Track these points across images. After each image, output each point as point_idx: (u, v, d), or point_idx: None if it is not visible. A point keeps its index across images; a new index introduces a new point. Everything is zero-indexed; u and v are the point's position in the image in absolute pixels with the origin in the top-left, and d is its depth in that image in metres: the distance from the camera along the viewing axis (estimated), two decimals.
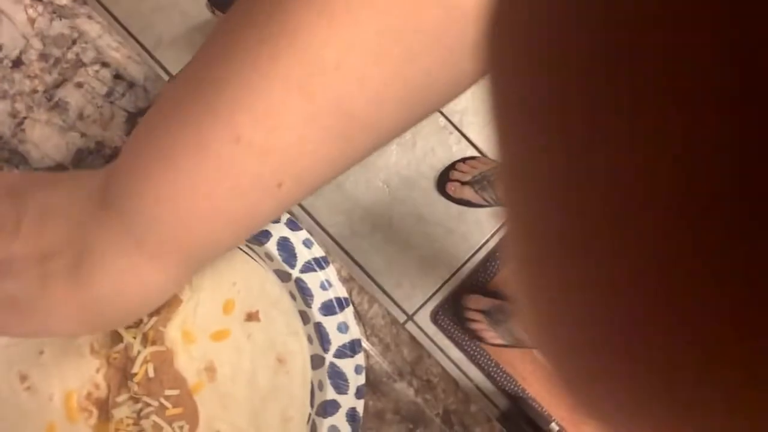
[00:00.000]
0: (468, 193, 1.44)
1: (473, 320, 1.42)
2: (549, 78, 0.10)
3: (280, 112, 0.29)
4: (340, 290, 0.49)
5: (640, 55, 0.08)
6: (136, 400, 0.47)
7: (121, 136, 0.53)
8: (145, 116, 0.34)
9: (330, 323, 0.48)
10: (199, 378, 0.49)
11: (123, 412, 0.47)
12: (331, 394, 0.48)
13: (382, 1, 0.27)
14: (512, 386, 1.42)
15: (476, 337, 1.45)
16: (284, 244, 0.48)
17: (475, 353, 1.43)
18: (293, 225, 0.49)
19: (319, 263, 0.49)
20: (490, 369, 1.43)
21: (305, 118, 0.30)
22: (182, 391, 0.47)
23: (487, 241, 1.50)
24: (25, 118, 0.53)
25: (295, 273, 0.48)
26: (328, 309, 0.48)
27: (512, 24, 0.12)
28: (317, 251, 0.49)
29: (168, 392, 0.47)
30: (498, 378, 1.42)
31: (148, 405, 0.47)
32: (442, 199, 1.50)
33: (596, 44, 0.09)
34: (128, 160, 0.34)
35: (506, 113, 0.12)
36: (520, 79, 0.11)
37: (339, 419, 0.48)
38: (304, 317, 0.49)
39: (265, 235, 0.48)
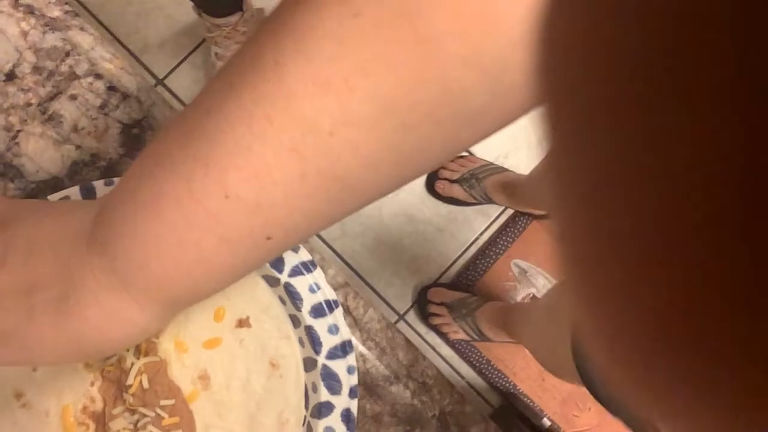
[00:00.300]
0: (457, 191, 1.45)
1: (436, 314, 1.43)
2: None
3: (272, 172, 0.29)
4: (329, 292, 0.49)
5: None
6: (132, 412, 0.47)
7: (116, 148, 0.53)
8: (139, 157, 0.34)
9: (320, 325, 0.49)
10: (194, 386, 0.49)
11: (120, 424, 0.47)
12: (325, 395, 0.48)
13: (381, 75, 0.27)
14: (504, 382, 1.43)
15: (438, 332, 1.46)
16: None
17: (466, 350, 1.44)
18: None
19: (307, 267, 0.49)
20: (482, 366, 1.44)
21: (296, 177, 0.30)
22: (177, 400, 0.48)
23: (477, 238, 1.51)
24: (19, 131, 0.53)
25: (283, 278, 0.49)
26: (317, 312, 0.49)
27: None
28: (304, 255, 0.49)
29: (163, 402, 0.47)
30: (489, 375, 1.43)
31: (144, 416, 0.47)
32: (432, 198, 1.51)
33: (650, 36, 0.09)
34: (118, 201, 0.34)
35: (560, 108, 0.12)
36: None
37: (334, 420, 0.48)
38: (295, 321, 0.50)
39: None
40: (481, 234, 1.52)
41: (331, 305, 0.49)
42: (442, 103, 0.28)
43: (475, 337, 1.38)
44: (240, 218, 0.31)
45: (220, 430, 0.49)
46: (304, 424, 0.49)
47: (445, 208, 1.51)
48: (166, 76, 1.51)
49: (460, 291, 1.44)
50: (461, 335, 1.41)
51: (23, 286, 0.35)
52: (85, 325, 0.35)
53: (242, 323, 0.50)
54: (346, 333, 0.49)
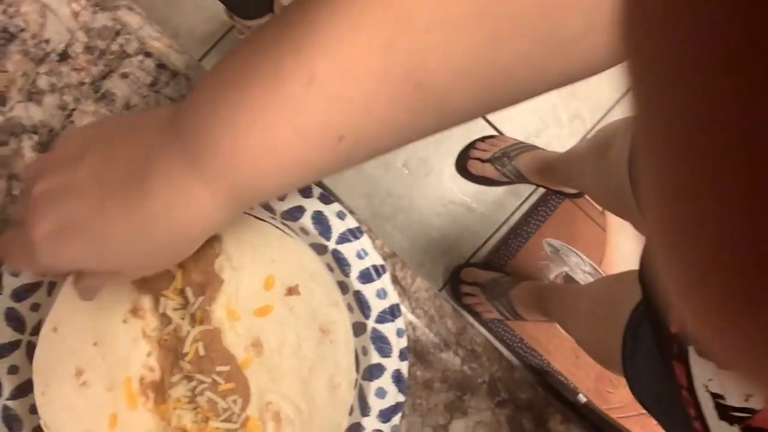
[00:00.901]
0: (489, 170, 1.44)
1: (469, 294, 1.43)
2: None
3: (359, 64, 0.30)
4: (375, 258, 0.50)
5: None
6: (190, 379, 0.49)
7: None
8: (232, 49, 0.34)
9: (369, 290, 0.50)
10: (247, 353, 0.50)
11: (179, 392, 0.49)
12: (375, 358, 0.49)
13: None
14: (538, 360, 1.43)
15: (471, 312, 1.46)
16: (318, 218, 0.50)
17: (499, 329, 1.45)
18: (325, 198, 0.50)
19: (354, 234, 0.50)
20: (515, 344, 1.44)
21: (382, 75, 0.30)
22: (232, 366, 0.49)
23: (508, 218, 1.51)
24: (73, 109, 0.54)
25: (331, 245, 0.50)
26: (365, 277, 0.50)
27: None
28: (351, 222, 0.50)
29: (219, 368, 0.49)
30: (523, 353, 1.44)
31: (201, 382, 0.48)
32: (462, 179, 1.51)
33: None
34: (202, 86, 0.35)
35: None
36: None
37: (385, 381, 0.49)
38: (343, 287, 0.51)
39: (299, 210, 0.50)
40: (513, 213, 1.51)
41: (378, 270, 0.50)
42: (536, 18, 0.28)
43: (509, 316, 1.39)
44: (317, 109, 0.31)
45: (274, 395, 0.50)
46: (355, 386, 0.50)
47: (475, 188, 1.51)
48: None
49: (493, 270, 1.45)
50: (494, 314, 1.41)
51: (98, 178, 0.36)
52: (153, 207, 0.35)
53: (291, 291, 0.51)
54: (394, 297, 0.50)
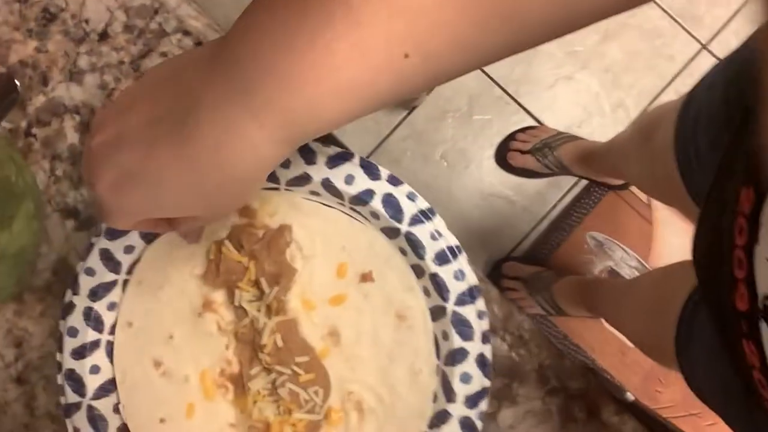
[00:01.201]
0: (530, 161, 1.43)
1: (511, 289, 1.40)
2: None
3: None
4: (450, 239, 0.49)
5: None
6: (269, 371, 0.48)
7: None
8: None
9: (446, 272, 0.49)
10: (324, 343, 0.50)
11: (258, 384, 0.48)
12: (457, 342, 0.48)
13: None
14: (582, 357, 1.41)
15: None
16: (389, 201, 0.49)
17: (543, 325, 1.43)
18: (394, 180, 0.49)
19: (426, 215, 0.49)
20: (559, 341, 1.42)
21: None
22: (311, 357, 0.49)
23: (550, 211, 1.49)
24: (113, 89, 0.55)
25: (403, 227, 0.49)
26: (441, 259, 0.49)
27: None
28: (422, 203, 0.49)
29: (298, 359, 0.48)
30: (567, 350, 1.41)
31: (281, 374, 0.48)
32: (502, 172, 1.49)
33: None
34: (247, 13, 0.32)
35: None
36: None
37: (469, 365, 0.48)
38: (418, 270, 0.50)
39: (368, 194, 0.49)
40: (554, 206, 1.49)
41: (454, 251, 0.49)
42: None
43: (552, 311, 1.37)
44: (380, 21, 0.28)
45: (355, 384, 0.49)
46: (437, 373, 0.49)
47: (515, 180, 1.49)
48: None
49: (535, 265, 1.43)
50: (537, 310, 1.40)
51: (147, 124, 0.35)
52: (201, 146, 0.33)
53: (365, 278, 0.50)
54: (472, 278, 0.49)
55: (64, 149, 0.54)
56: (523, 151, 1.43)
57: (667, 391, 1.37)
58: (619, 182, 1.41)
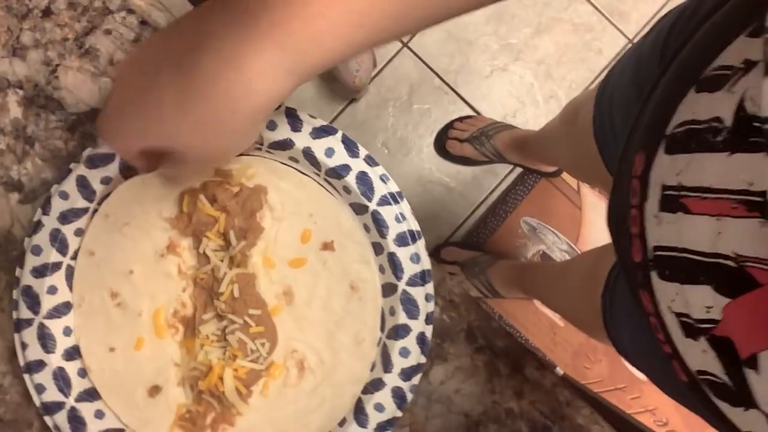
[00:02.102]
0: (468, 149, 1.47)
1: (449, 273, 1.45)
2: None
3: None
4: (413, 224, 0.52)
5: None
6: (221, 318, 0.51)
7: None
8: None
9: (403, 253, 0.52)
10: (278, 301, 0.52)
11: (209, 329, 0.51)
12: (403, 318, 0.51)
13: None
14: (516, 337, 1.47)
15: None
16: (363, 178, 0.51)
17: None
18: (371, 161, 0.52)
19: (395, 198, 0.52)
20: (494, 322, 1.47)
21: None
22: (263, 312, 0.51)
23: (486, 197, 1.54)
24: (57, 65, 0.55)
25: (372, 205, 0.51)
26: (402, 240, 0.52)
27: None
28: (393, 186, 0.52)
29: (251, 311, 0.50)
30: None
31: (233, 322, 0.50)
32: (440, 159, 1.53)
33: None
34: None
35: None
36: None
37: (410, 342, 0.51)
38: (377, 248, 0.52)
39: (345, 169, 0.51)
40: (491, 193, 1.54)
41: (414, 236, 0.52)
42: None
43: (488, 294, 1.42)
44: None
45: (301, 343, 0.52)
46: (379, 344, 0.52)
47: (453, 168, 1.53)
48: None
49: (472, 249, 1.48)
50: (474, 293, 1.45)
51: (156, 57, 0.37)
52: (202, 78, 0.34)
53: (327, 246, 0.52)
54: (426, 263, 0.52)
55: (7, 123, 0.54)
56: (461, 140, 1.47)
57: (594, 367, 1.45)
58: (552, 169, 1.47)
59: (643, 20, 1.61)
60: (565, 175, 1.51)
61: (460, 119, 1.52)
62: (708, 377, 0.33)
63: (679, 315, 0.34)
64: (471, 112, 1.55)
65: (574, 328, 1.06)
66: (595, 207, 1.52)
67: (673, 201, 0.34)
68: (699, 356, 0.33)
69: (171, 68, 0.35)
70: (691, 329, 0.33)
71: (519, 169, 1.53)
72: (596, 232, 1.51)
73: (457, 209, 1.54)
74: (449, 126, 1.52)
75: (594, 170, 0.81)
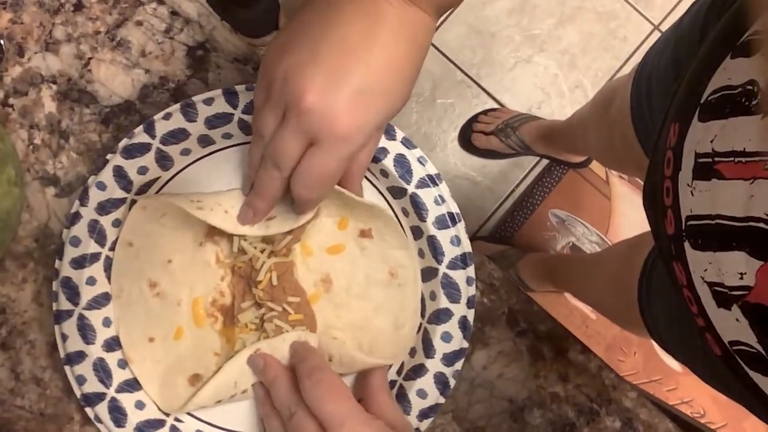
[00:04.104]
0: (494, 142, 1.46)
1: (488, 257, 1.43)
2: None
3: None
4: (452, 206, 0.51)
5: None
6: (260, 306, 0.50)
7: (183, 70, 0.55)
8: None
9: (443, 236, 0.51)
10: (316, 288, 0.51)
11: (247, 317, 0.50)
12: (444, 303, 0.51)
13: None
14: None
15: None
16: (401, 161, 0.50)
17: None
18: (408, 143, 0.51)
19: (433, 180, 0.51)
20: None
21: None
22: (302, 299, 0.50)
23: (513, 190, 1.53)
24: (90, 59, 0.55)
25: (410, 188, 0.51)
26: (441, 223, 0.51)
27: None
28: (431, 168, 0.51)
29: (290, 299, 0.50)
30: None
31: (271, 310, 0.49)
32: (465, 154, 1.52)
33: None
34: None
35: None
36: None
37: (452, 326, 0.50)
38: (416, 232, 0.52)
39: (382, 152, 0.50)
40: (517, 186, 1.53)
41: (454, 218, 0.51)
42: None
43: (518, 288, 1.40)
44: None
45: (339, 331, 0.51)
46: (419, 331, 0.51)
47: (479, 162, 1.52)
48: None
49: (500, 243, 1.46)
50: None
51: (302, 24, 0.40)
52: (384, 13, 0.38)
53: (364, 234, 0.52)
54: (467, 245, 0.51)
55: (42, 118, 0.54)
56: (487, 133, 1.46)
57: (628, 360, 1.43)
58: (579, 159, 1.46)
59: (668, 5, 1.59)
60: (593, 166, 1.49)
61: (485, 112, 1.51)
62: (741, 347, 0.33)
63: (712, 285, 0.34)
64: (495, 105, 1.54)
65: (607, 320, 1.05)
66: (624, 197, 1.50)
67: (707, 168, 0.34)
68: (732, 326, 0.33)
69: (315, 28, 0.38)
70: (725, 298, 0.33)
71: (545, 162, 1.52)
72: (626, 222, 1.49)
73: (484, 203, 1.53)
74: (474, 119, 1.51)
75: (629, 156, 0.80)
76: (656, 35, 1.58)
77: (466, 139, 1.50)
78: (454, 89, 1.55)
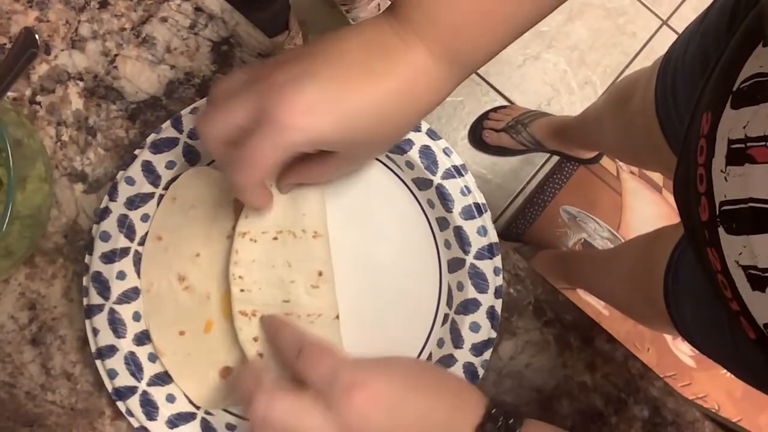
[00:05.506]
0: (504, 139, 1.46)
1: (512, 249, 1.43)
2: None
3: None
4: (478, 196, 0.51)
5: None
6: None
7: (208, 65, 0.56)
8: None
9: (470, 227, 0.51)
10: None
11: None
12: (472, 293, 0.51)
13: None
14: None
15: None
16: (426, 152, 0.51)
17: None
18: (433, 134, 0.51)
19: (458, 171, 0.51)
20: None
21: None
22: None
23: (524, 187, 1.53)
24: (116, 55, 0.55)
25: (436, 179, 0.51)
26: (467, 213, 0.51)
27: None
28: (456, 159, 0.51)
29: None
30: None
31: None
32: (476, 151, 1.52)
33: None
34: None
35: None
36: None
37: (480, 316, 0.51)
38: (443, 223, 0.52)
39: (408, 144, 0.51)
40: (528, 183, 1.53)
41: (480, 208, 0.51)
42: None
43: None
44: None
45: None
46: (446, 322, 0.52)
47: (489, 160, 1.52)
48: None
49: (511, 241, 1.46)
50: None
51: (332, 62, 0.38)
52: (394, 78, 0.38)
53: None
54: (493, 236, 0.51)
55: (69, 115, 0.54)
56: (497, 130, 1.46)
57: (642, 356, 1.43)
58: (590, 155, 1.46)
59: (676, 1, 1.59)
60: (604, 162, 1.49)
61: (495, 110, 1.51)
62: None
63: (746, 268, 0.35)
64: (504, 103, 1.54)
65: (620, 316, 1.04)
66: (635, 192, 1.50)
67: (740, 153, 0.34)
68: (767, 308, 0.34)
69: (359, 72, 0.38)
70: (759, 280, 0.34)
71: (556, 158, 1.52)
72: (638, 218, 1.49)
73: (495, 201, 1.53)
74: (484, 117, 1.51)
75: (650, 149, 0.80)
76: (664, 31, 1.58)
77: (476, 137, 1.50)
78: (463, 87, 1.54)
